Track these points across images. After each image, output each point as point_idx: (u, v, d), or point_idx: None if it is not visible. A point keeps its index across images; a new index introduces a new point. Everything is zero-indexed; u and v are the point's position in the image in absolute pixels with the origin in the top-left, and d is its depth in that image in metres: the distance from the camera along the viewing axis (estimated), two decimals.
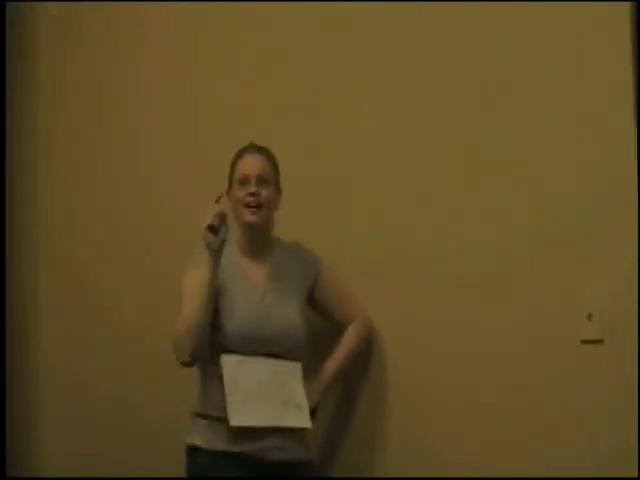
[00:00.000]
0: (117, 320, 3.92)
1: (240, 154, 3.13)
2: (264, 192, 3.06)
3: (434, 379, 3.21)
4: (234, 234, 3.08)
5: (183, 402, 3.15)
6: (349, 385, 3.35)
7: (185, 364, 2.98)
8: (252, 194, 3.04)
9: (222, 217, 2.90)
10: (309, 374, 3.15)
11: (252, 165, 3.07)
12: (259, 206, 3.05)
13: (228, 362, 2.97)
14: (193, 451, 3.03)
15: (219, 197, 2.91)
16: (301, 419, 3.03)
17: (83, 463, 3.93)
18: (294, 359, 3.07)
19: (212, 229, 2.88)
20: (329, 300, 3.21)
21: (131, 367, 3.85)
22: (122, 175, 3.97)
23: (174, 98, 3.85)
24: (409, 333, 3.25)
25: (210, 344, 2.99)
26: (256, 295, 3.00)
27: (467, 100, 3.18)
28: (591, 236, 2.98)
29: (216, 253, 2.90)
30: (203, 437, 3.01)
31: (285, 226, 3.23)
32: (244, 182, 3.06)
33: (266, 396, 2.98)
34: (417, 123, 3.28)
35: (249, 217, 3.06)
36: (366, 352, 3.31)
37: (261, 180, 3.07)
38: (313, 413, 3.14)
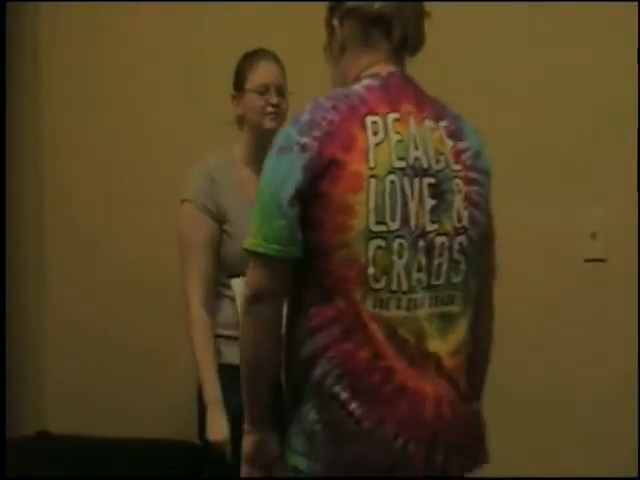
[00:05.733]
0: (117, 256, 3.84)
1: (252, 60, 3.05)
2: (283, 104, 3.02)
3: None
4: (236, 152, 3.05)
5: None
6: None
7: None
8: (274, 105, 3.00)
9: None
10: None
11: (271, 74, 3.00)
12: (278, 115, 3.02)
13: (239, 285, 2.99)
14: None
15: None
16: None
17: (83, 392, 3.84)
18: None
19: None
20: None
21: (133, 303, 3.78)
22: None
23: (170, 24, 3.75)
24: None
25: (219, 268, 3.02)
26: None
27: None
28: (596, 156, 3.07)
29: None
30: (218, 353, 2.98)
31: None
32: (263, 91, 3.00)
33: None
34: None
35: (270, 123, 2.97)
36: None
37: (279, 91, 3.01)
38: None
